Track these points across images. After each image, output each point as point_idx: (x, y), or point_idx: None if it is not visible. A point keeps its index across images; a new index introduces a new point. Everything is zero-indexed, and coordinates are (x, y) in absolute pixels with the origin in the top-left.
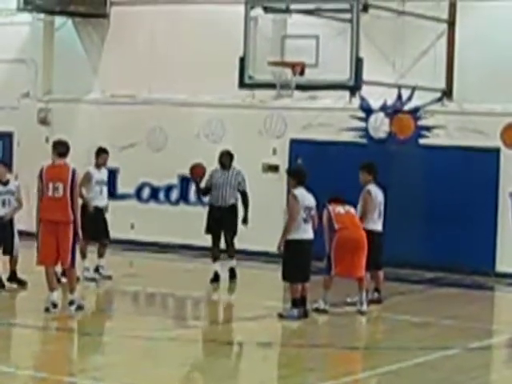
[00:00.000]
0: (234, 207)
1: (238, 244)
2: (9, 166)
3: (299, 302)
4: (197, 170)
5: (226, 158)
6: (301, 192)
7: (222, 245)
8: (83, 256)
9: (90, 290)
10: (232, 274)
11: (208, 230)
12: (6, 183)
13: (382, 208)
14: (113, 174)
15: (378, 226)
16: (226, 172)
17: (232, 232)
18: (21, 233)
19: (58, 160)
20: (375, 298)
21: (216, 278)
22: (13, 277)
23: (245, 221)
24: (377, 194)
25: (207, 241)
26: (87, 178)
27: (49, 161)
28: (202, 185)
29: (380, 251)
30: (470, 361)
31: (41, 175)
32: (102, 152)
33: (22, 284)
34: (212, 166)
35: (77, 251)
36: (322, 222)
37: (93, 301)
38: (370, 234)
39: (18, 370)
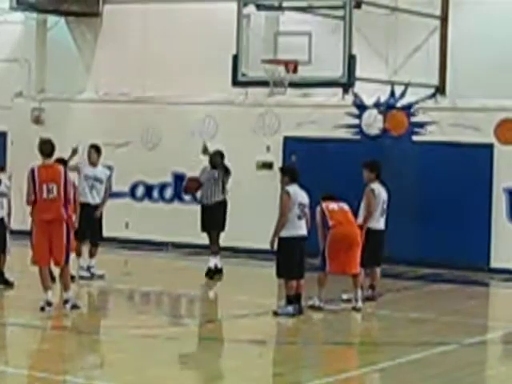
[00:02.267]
0: (220, 204)
1: (233, 242)
2: (2, 166)
3: (294, 299)
4: (190, 185)
5: (216, 158)
6: (294, 189)
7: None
8: (78, 254)
9: (84, 289)
10: (215, 272)
11: (202, 228)
12: None
13: (386, 206)
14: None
15: (379, 224)
16: (215, 171)
17: (218, 229)
18: (13, 232)
19: (46, 160)
20: (370, 295)
21: (210, 272)
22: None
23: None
24: (380, 192)
25: (201, 239)
26: (75, 169)
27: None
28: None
29: (380, 249)
30: (467, 357)
31: (33, 177)
32: (89, 148)
33: (8, 285)
34: (205, 163)
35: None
36: (314, 220)
37: (88, 299)
38: (371, 231)
39: (14, 368)
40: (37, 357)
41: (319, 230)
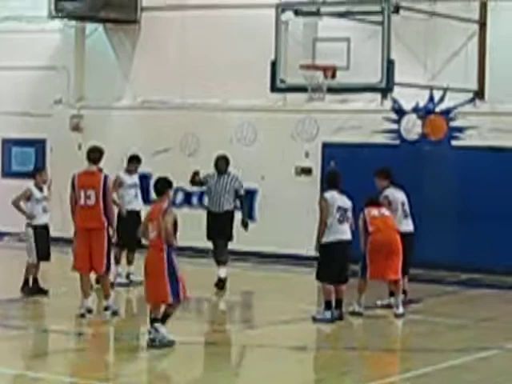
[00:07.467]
0: (228, 213)
1: (273, 248)
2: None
3: (335, 305)
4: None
5: (221, 163)
6: (331, 194)
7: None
8: (117, 261)
9: (122, 296)
10: (220, 284)
11: (208, 237)
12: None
13: (407, 207)
14: (145, 180)
15: (405, 226)
16: (222, 177)
17: (226, 238)
18: (55, 239)
19: (90, 166)
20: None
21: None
22: (34, 285)
23: (245, 225)
24: (395, 196)
25: (242, 245)
26: (117, 182)
27: (82, 167)
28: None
29: (410, 252)
30: (508, 362)
31: (73, 183)
32: (133, 159)
33: (43, 293)
34: (244, 169)
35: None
36: (358, 226)
37: (127, 306)
38: (402, 235)
39: (55, 375)
40: (77, 364)
41: (361, 237)
